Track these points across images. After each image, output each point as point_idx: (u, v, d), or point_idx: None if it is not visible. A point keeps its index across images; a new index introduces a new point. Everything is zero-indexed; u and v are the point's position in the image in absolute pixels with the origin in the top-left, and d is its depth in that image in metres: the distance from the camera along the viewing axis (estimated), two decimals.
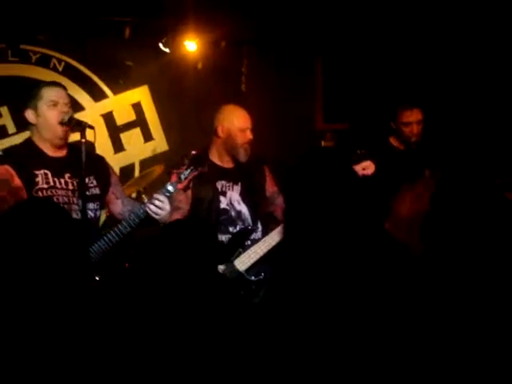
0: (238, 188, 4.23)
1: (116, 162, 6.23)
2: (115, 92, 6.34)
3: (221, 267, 3.99)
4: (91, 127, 3.51)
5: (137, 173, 6.32)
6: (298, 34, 6.49)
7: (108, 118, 6.31)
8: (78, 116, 4.28)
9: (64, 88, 3.66)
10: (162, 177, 5.12)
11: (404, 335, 2.04)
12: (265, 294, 4.14)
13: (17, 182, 3.46)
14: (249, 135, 4.18)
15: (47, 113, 3.54)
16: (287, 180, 2.26)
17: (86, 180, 3.58)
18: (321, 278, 2.09)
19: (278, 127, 6.49)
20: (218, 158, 4.23)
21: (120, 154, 6.36)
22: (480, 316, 2.08)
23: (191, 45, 6.21)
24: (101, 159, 3.87)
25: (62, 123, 3.52)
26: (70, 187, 3.58)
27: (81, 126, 3.49)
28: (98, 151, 4.11)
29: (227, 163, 4.24)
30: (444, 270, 2.36)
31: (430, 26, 5.85)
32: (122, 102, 6.38)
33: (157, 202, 3.58)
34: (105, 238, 3.58)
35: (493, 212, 2.32)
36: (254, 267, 4.09)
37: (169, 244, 2.74)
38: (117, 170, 6.16)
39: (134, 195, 5.49)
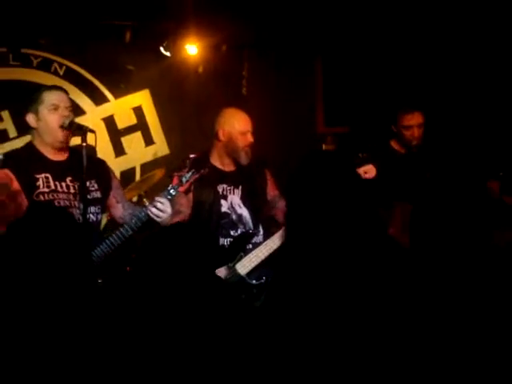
0: (238, 191, 4.23)
1: (117, 165, 6.22)
2: (116, 96, 6.34)
3: (222, 271, 3.99)
4: (92, 131, 3.52)
5: (138, 176, 6.31)
6: (299, 38, 6.49)
7: (109, 121, 6.32)
8: (79, 120, 4.30)
9: (65, 92, 3.67)
10: (163, 180, 5.12)
11: (407, 340, 2.04)
12: (266, 297, 4.13)
13: (16, 186, 3.46)
14: (250, 138, 4.19)
15: (48, 117, 3.54)
16: (289, 183, 2.26)
17: (87, 184, 3.58)
18: (323, 281, 2.09)
19: (278, 130, 6.49)
20: (219, 161, 4.23)
21: (121, 158, 6.36)
22: (477, 317, 2.09)
23: (192, 48, 6.21)
24: (102, 163, 3.88)
25: (62, 127, 3.53)
26: (72, 191, 3.58)
27: (82, 130, 3.49)
28: (99, 155, 4.11)
29: (228, 166, 4.24)
30: (439, 270, 2.36)
31: (430, 30, 5.85)
32: (122, 106, 6.38)
33: (158, 205, 3.58)
34: (106, 241, 3.58)
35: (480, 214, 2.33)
36: (256, 271, 4.08)
37: (166, 247, 2.75)
38: (118, 173, 6.16)
39: (135, 199, 5.49)
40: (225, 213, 4.15)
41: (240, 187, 4.24)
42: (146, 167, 6.32)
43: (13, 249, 2.73)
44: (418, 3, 5.65)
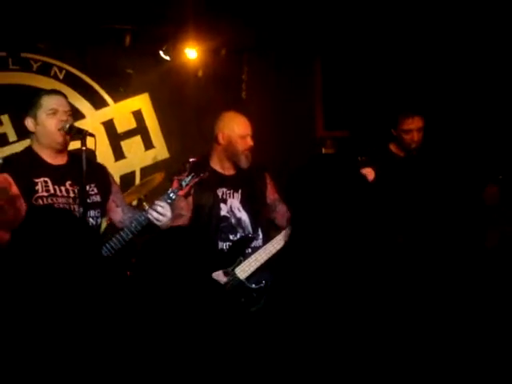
0: (238, 195, 4.23)
1: (117, 169, 6.23)
2: (116, 100, 6.35)
3: (221, 275, 3.98)
4: (92, 135, 3.51)
5: (137, 180, 6.31)
6: (298, 42, 6.50)
7: (108, 125, 6.32)
8: (79, 124, 4.29)
9: (64, 96, 3.67)
10: (163, 184, 5.12)
11: (407, 341, 2.04)
12: (267, 300, 4.13)
13: (15, 190, 3.45)
14: (249, 142, 4.19)
15: (46, 121, 3.54)
16: (293, 187, 2.26)
17: (87, 187, 3.58)
18: (327, 284, 2.09)
19: (278, 134, 6.50)
20: (218, 165, 4.23)
21: (121, 162, 6.36)
22: (474, 317, 2.09)
23: (191, 52, 6.22)
24: (101, 167, 3.87)
25: (61, 130, 3.52)
26: (71, 195, 3.58)
27: (81, 134, 3.49)
28: (99, 159, 4.11)
29: (228, 170, 4.24)
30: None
31: (430, 34, 5.85)
32: (122, 110, 6.38)
33: (159, 209, 3.58)
34: (107, 245, 3.58)
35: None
36: (255, 275, 4.08)
37: (166, 251, 2.75)
38: (117, 177, 6.16)
39: (134, 203, 5.49)
40: (224, 216, 4.14)
41: (240, 191, 4.24)
42: (146, 171, 6.32)
43: (22, 255, 2.74)
44: (417, 6, 5.65)
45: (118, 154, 6.34)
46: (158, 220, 3.59)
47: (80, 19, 5.65)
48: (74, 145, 3.67)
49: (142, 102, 6.45)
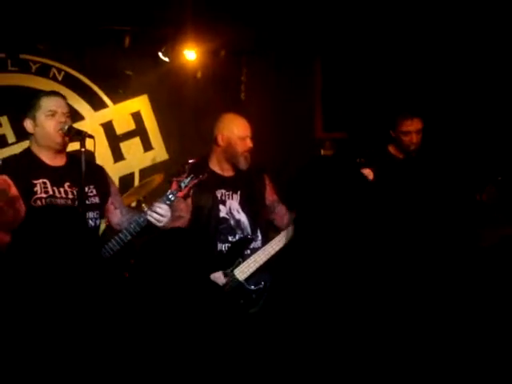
0: (237, 197, 4.23)
1: (116, 171, 6.23)
2: (115, 101, 6.35)
3: (220, 276, 3.98)
4: (91, 136, 3.51)
5: (136, 182, 6.32)
6: (297, 43, 6.50)
7: (108, 127, 6.32)
8: (78, 125, 4.30)
9: (63, 98, 3.66)
10: (162, 185, 5.13)
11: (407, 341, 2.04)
12: (268, 301, 4.14)
13: (14, 191, 3.45)
14: (249, 143, 4.19)
15: (45, 122, 3.54)
16: (295, 187, 2.27)
17: (86, 189, 3.57)
18: (331, 283, 2.09)
19: (277, 136, 6.50)
20: (217, 166, 4.23)
21: (120, 163, 6.36)
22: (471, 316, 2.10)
23: (190, 54, 6.22)
24: (100, 169, 3.87)
25: (60, 131, 3.52)
26: (70, 196, 3.58)
27: (80, 136, 3.49)
28: (98, 160, 4.11)
29: (227, 172, 4.24)
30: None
31: (430, 36, 5.86)
32: (121, 112, 6.39)
33: (158, 210, 3.58)
34: (105, 246, 3.57)
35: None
36: (254, 276, 4.08)
37: (164, 252, 2.75)
38: (116, 179, 6.17)
39: (133, 204, 5.49)
40: (223, 218, 4.14)
41: (239, 192, 4.24)
42: (145, 172, 6.33)
43: (24, 256, 2.74)
44: (416, 8, 5.65)
45: (117, 156, 6.34)
46: (157, 221, 3.59)
47: (79, 20, 5.65)
48: (73, 146, 3.66)
49: (141, 104, 6.45)
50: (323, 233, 2.17)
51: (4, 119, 5.89)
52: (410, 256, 4.50)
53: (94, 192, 3.68)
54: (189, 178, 3.70)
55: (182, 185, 3.68)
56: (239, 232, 4.18)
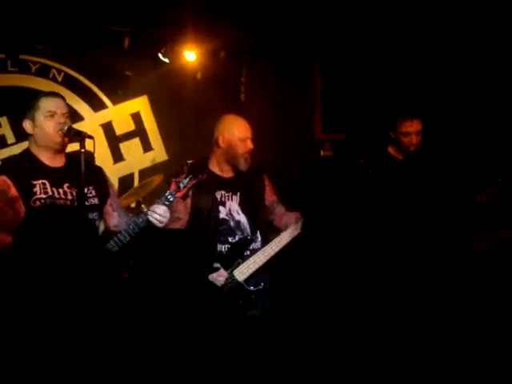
0: (237, 198, 4.22)
1: (115, 171, 6.24)
2: (114, 102, 6.36)
3: (220, 277, 3.98)
4: (90, 137, 3.51)
5: (136, 183, 6.32)
6: (297, 45, 6.51)
7: (107, 128, 6.33)
8: (78, 126, 4.29)
9: (62, 98, 3.66)
10: (162, 186, 5.13)
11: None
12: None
13: (13, 192, 3.45)
14: (249, 145, 4.19)
15: (44, 123, 3.54)
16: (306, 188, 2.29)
17: (85, 190, 3.57)
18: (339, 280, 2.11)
19: (276, 136, 6.50)
20: (217, 167, 4.23)
21: (119, 164, 6.37)
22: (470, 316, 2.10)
23: (190, 55, 6.23)
24: (99, 170, 3.87)
25: (59, 132, 3.52)
26: (69, 197, 3.57)
27: (80, 136, 3.48)
28: (98, 161, 4.11)
29: (227, 173, 4.24)
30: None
31: (429, 37, 5.86)
32: (121, 112, 6.39)
33: (156, 211, 3.58)
34: (104, 247, 3.57)
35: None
36: (254, 277, 4.08)
37: (163, 254, 2.77)
38: (116, 179, 6.18)
39: (133, 205, 5.49)
40: (223, 219, 4.14)
41: (238, 193, 4.24)
42: (145, 173, 6.34)
43: (27, 256, 2.75)
44: (416, 9, 5.65)
45: (117, 156, 6.35)
46: (157, 222, 3.59)
47: (79, 21, 5.66)
48: (73, 147, 3.66)
49: (140, 104, 6.46)
50: (331, 231, 2.19)
51: (3, 120, 5.89)
52: (409, 256, 4.51)
53: (94, 193, 3.68)
54: (187, 179, 3.70)
55: (181, 185, 3.68)
56: (239, 233, 4.18)
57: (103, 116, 6.32)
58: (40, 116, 3.54)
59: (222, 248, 4.11)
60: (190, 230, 4.08)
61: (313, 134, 6.94)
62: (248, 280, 4.06)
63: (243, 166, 4.19)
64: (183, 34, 5.99)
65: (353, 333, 4.35)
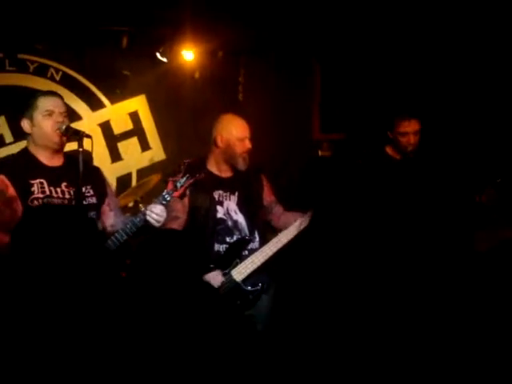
0: (235, 198, 4.22)
1: (113, 171, 6.24)
2: (112, 101, 6.36)
3: (218, 277, 3.98)
4: (88, 136, 3.51)
5: (134, 182, 6.32)
6: (296, 44, 6.50)
7: (105, 127, 6.33)
8: (76, 125, 4.28)
9: (60, 97, 3.66)
10: (159, 186, 5.12)
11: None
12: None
13: (11, 191, 3.45)
14: (247, 144, 4.19)
15: (42, 122, 3.53)
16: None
17: (83, 189, 3.57)
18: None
19: (275, 136, 6.50)
20: (215, 167, 4.23)
21: (117, 164, 6.36)
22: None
23: (188, 54, 6.23)
24: (97, 170, 3.87)
25: (57, 132, 3.52)
26: (67, 196, 3.57)
27: (78, 135, 3.48)
28: (96, 160, 4.10)
29: (225, 172, 4.24)
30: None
31: (428, 37, 5.85)
32: (119, 112, 6.39)
33: (154, 210, 3.58)
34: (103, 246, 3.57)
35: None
36: (251, 277, 4.08)
37: (161, 254, 2.77)
38: (114, 179, 6.18)
39: (131, 204, 5.49)
40: (220, 219, 4.14)
41: (236, 193, 4.23)
42: (143, 173, 6.34)
43: (26, 255, 2.75)
44: (414, 9, 5.65)
45: (115, 156, 6.35)
46: (154, 221, 3.59)
47: (77, 21, 5.66)
48: (71, 146, 3.66)
49: (138, 104, 6.46)
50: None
51: (1, 119, 5.89)
52: (407, 256, 4.51)
53: (91, 192, 3.67)
54: (184, 178, 3.69)
55: (178, 185, 3.67)
56: (237, 233, 4.17)
57: (101, 115, 6.32)
58: (38, 115, 3.54)
59: (220, 248, 4.11)
60: (187, 229, 4.08)
61: (311, 134, 6.94)
62: (246, 280, 4.05)
63: (241, 165, 4.19)
64: (181, 33, 5.99)
65: (353, 333, 4.36)
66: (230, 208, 4.20)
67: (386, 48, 6.18)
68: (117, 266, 3.63)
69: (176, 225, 4.02)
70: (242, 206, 4.23)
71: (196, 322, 2.57)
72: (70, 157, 3.67)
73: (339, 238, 4.65)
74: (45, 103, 3.56)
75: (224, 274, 4.01)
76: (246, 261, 4.09)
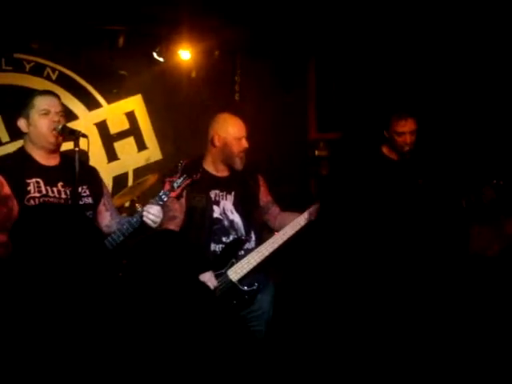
0: (231, 197, 4.22)
1: (110, 170, 6.23)
2: (109, 101, 6.35)
3: (214, 277, 3.98)
4: (85, 136, 3.50)
5: (130, 182, 6.31)
6: (292, 44, 6.51)
7: (102, 126, 6.32)
8: (72, 125, 4.28)
9: (57, 97, 3.65)
10: (156, 186, 5.12)
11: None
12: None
13: (7, 190, 3.44)
14: (244, 144, 4.19)
15: (38, 122, 3.53)
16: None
17: (79, 189, 3.57)
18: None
19: (271, 136, 6.50)
20: (212, 166, 4.22)
21: (114, 163, 6.35)
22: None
23: (185, 54, 6.23)
24: (93, 170, 3.87)
25: (54, 131, 3.52)
26: (63, 196, 3.57)
27: (74, 135, 3.48)
28: (92, 160, 4.11)
29: (221, 172, 4.24)
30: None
31: (424, 36, 5.86)
32: (115, 111, 6.38)
33: (150, 211, 3.58)
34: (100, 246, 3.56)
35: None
36: (248, 277, 4.08)
37: (157, 254, 2.77)
38: (110, 178, 6.17)
39: (127, 204, 5.48)
40: (217, 218, 4.14)
41: (233, 193, 4.23)
42: (139, 172, 6.33)
43: (18, 254, 2.74)
44: (411, 8, 5.65)
45: (111, 155, 6.34)
46: (150, 222, 3.59)
47: (73, 20, 5.65)
48: (67, 146, 3.65)
49: (135, 103, 6.45)
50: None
51: None
52: (404, 256, 4.51)
53: (88, 192, 3.67)
54: (181, 178, 3.69)
55: (175, 185, 3.68)
56: (233, 233, 4.17)
57: (97, 115, 6.31)
58: (34, 114, 3.54)
59: (216, 248, 4.11)
60: (184, 229, 4.08)
61: (307, 134, 6.95)
62: (242, 280, 4.05)
63: (238, 165, 4.19)
64: (178, 33, 5.99)
65: (353, 334, 4.36)
66: (226, 208, 4.19)
67: (382, 47, 6.18)
68: (114, 266, 3.63)
69: (173, 225, 4.02)
70: (238, 206, 4.23)
71: (192, 322, 2.57)
72: (66, 156, 3.67)
73: (336, 236, 4.65)
74: (41, 102, 3.56)
75: (220, 274, 4.01)
76: (242, 261, 4.09)
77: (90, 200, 3.67)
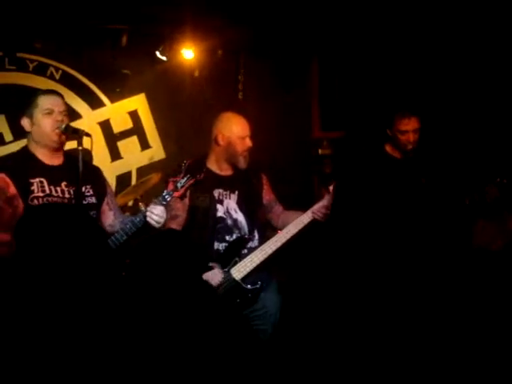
0: (235, 196, 4.22)
1: (113, 170, 6.24)
2: (112, 100, 6.35)
3: (217, 276, 3.98)
4: (88, 135, 3.51)
5: (134, 181, 6.32)
6: (295, 42, 6.50)
7: (105, 126, 6.32)
8: (75, 124, 4.28)
9: (61, 96, 3.66)
10: (159, 185, 5.12)
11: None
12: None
13: (12, 190, 3.45)
14: (248, 143, 4.18)
15: (42, 121, 3.54)
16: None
17: (83, 189, 3.57)
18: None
19: (274, 135, 6.50)
20: (216, 165, 4.22)
21: (117, 162, 6.36)
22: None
23: (188, 53, 6.23)
24: (97, 169, 3.87)
25: (57, 130, 3.52)
26: (67, 195, 3.57)
27: (78, 134, 3.49)
28: (95, 159, 4.10)
29: (225, 171, 4.24)
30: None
31: (427, 35, 5.85)
32: (118, 110, 6.39)
33: (154, 211, 3.57)
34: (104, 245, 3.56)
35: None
36: (251, 276, 4.08)
37: (160, 253, 2.77)
38: (114, 177, 6.18)
39: (130, 203, 5.49)
40: (220, 217, 4.14)
41: (236, 192, 4.23)
42: (142, 171, 6.33)
43: (21, 253, 2.74)
44: (414, 7, 5.65)
45: (115, 154, 6.35)
46: (153, 222, 3.59)
47: (76, 19, 5.65)
48: (71, 145, 3.66)
49: (138, 103, 6.46)
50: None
51: (1, 118, 5.88)
52: (407, 255, 4.51)
53: (91, 192, 3.67)
54: (185, 178, 3.69)
55: (179, 185, 3.67)
56: (236, 231, 4.18)
57: (101, 114, 6.32)
58: (38, 114, 3.55)
59: (220, 246, 4.11)
60: (186, 228, 4.08)
61: (311, 133, 6.95)
62: (245, 279, 4.06)
63: (242, 164, 4.19)
64: (181, 32, 5.99)
65: (358, 333, 4.37)
66: (229, 207, 4.19)
67: (385, 46, 6.18)
68: (117, 265, 3.63)
69: (175, 224, 4.02)
70: (241, 205, 4.23)
71: (195, 322, 2.57)
72: (70, 156, 3.67)
73: (341, 234, 4.65)
74: (45, 102, 3.56)
75: (223, 273, 4.01)
76: (245, 259, 4.09)
77: (93, 199, 3.67)
